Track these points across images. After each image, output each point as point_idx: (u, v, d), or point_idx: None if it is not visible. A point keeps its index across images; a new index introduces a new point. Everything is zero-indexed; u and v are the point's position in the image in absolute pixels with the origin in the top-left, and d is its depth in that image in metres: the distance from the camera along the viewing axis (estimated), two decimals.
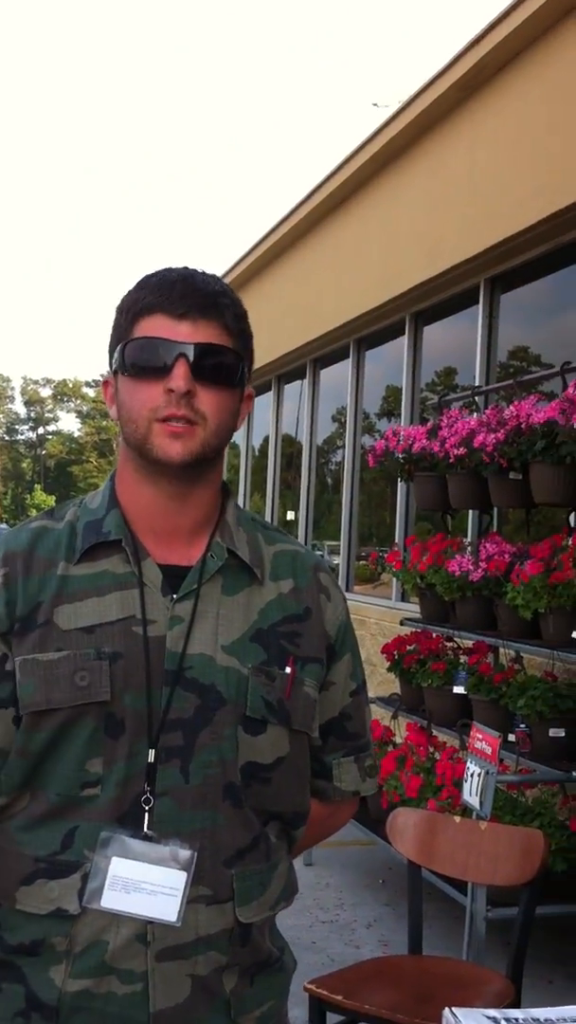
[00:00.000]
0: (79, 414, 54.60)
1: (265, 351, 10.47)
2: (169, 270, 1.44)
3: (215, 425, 1.41)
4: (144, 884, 1.35)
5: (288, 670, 1.45)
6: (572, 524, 4.83)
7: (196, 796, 1.39)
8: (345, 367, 8.88)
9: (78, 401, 54.97)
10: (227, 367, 1.42)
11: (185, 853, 1.37)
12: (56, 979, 1.36)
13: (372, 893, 5.00)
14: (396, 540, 7.41)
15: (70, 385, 54.94)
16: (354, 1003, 2.75)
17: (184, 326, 1.39)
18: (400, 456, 5.41)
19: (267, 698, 1.42)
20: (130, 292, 1.45)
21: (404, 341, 7.67)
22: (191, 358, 1.38)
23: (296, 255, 9.72)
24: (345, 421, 8.89)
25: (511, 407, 4.45)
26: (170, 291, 1.40)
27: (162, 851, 1.36)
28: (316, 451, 9.83)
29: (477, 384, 6.27)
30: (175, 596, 1.43)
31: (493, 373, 6.45)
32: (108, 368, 1.50)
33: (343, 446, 8.98)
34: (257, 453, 11.79)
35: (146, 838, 1.36)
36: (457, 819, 3.22)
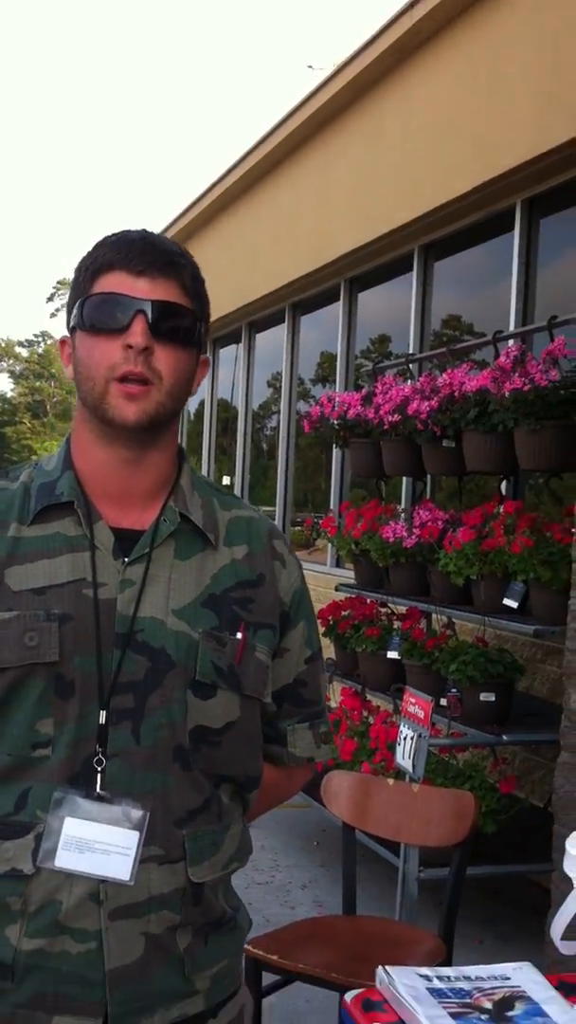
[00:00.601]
0: (12, 374, 53.66)
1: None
2: (128, 231, 1.45)
3: (170, 385, 1.41)
4: (97, 844, 1.37)
5: (239, 636, 1.45)
6: (503, 492, 4.90)
7: (147, 758, 1.40)
8: (281, 332, 8.86)
9: (11, 361, 54.03)
10: (185, 326, 1.42)
11: (137, 813, 1.38)
12: (12, 938, 1.38)
13: (307, 855, 5.08)
14: (331, 506, 7.45)
15: (2, 345, 53.97)
16: (289, 963, 2.79)
17: (143, 283, 1.39)
18: (335, 422, 5.42)
19: (217, 663, 1.43)
20: (89, 251, 1.45)
21: (339, 307, 7.67)
22: (149, 315, 1.38)
23: (231, 218, 9.64)
24: (280, 386, 8.89)
25: (444, 375, 4.49)
26: (129, 249, 1.40)
27: (114, 811, 1.38)
28: (252, 416, 9.81)
29: (411, 351, 6.30)
30: (127, 559, 1.43)
31: (427, 341, 6.48)
32: (66, 327, 1.49)
33: (279, 411, 8.98)
34: (193, 417, 11.74)
35: (99, 798, 1.38)
36: (390, 782, 3.27)
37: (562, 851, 1.82)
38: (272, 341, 9.24)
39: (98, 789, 1.38)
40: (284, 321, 8.75)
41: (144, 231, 1.45)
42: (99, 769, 1.38)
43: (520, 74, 5.13)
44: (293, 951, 2.85)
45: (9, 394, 53.07)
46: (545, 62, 4.92)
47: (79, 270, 1.45)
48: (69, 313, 1.46)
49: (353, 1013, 1.75)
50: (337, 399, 5.45)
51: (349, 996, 1.78)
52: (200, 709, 1.42)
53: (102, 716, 1.38)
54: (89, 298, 1.41)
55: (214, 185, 9.58)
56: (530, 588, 3.90)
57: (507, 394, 3.96)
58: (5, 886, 1.38)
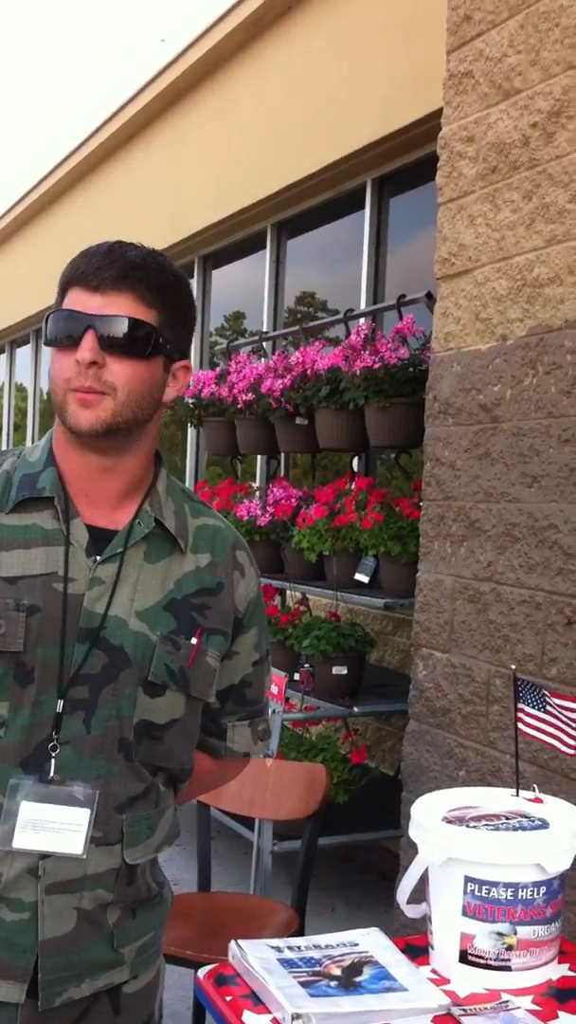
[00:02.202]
0: None
1: (51, 291, 10.14)
2: (100, 244, 1.49)
3: (125, 396, 1.45)
4: (51, 823, 1.44)
5: (194, 641, 1.52)
6: (355, 469, 4.96)
7: (94, 746, 1.47)
8: None
9: None
10: (136, 338, 1.45)
11: (88, 791, 1.46)
12: None
13: None
14: (186, 485, 7.41)
15: None
16: None
17: (96, 299, 1.44)
18: (190, 401, 5.39)
19: (170, 665, 1.50)
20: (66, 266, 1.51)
21: (193, 285, 7.62)
22: (98, 329, 1.43)
23: (83, 194, 9.45)
24: None
25: (297, 353, 4.51)
26: (87, 264, 1.46)
27: (67, 792, 1.45)
28: None
29: (265, 329, 6.31)
30: (98, 558, 1.49)
31: (281, 318, 6.50)
32: None
33: None
34: (45, 396, 11.49)
35: (51, 781, 1.45)
36: None
37: (409, 817, 1.86)
38: None
39: (51, 773, 1.45)
40: None
41: (113, 243, 1.48)
42: (53, 754, 1.45)
43: (370, 54, 5.17)
44: None
45: None
46: (393, 42, 4.97)
47: (59, 285, 1.51)
48: None
49: (206, 989, 1.75)
50: (191, 378, 5.41)
51: (202, 972, 1.79)
52: (147, 706, 1.49)
53: (60, 705, 1.45)
54: (51, 315, 1.48)
55: (64, 160, 9.37)
56: (380, 562, 3.97)
57: (358, 372, 4.01)
58: None
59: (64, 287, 1.48)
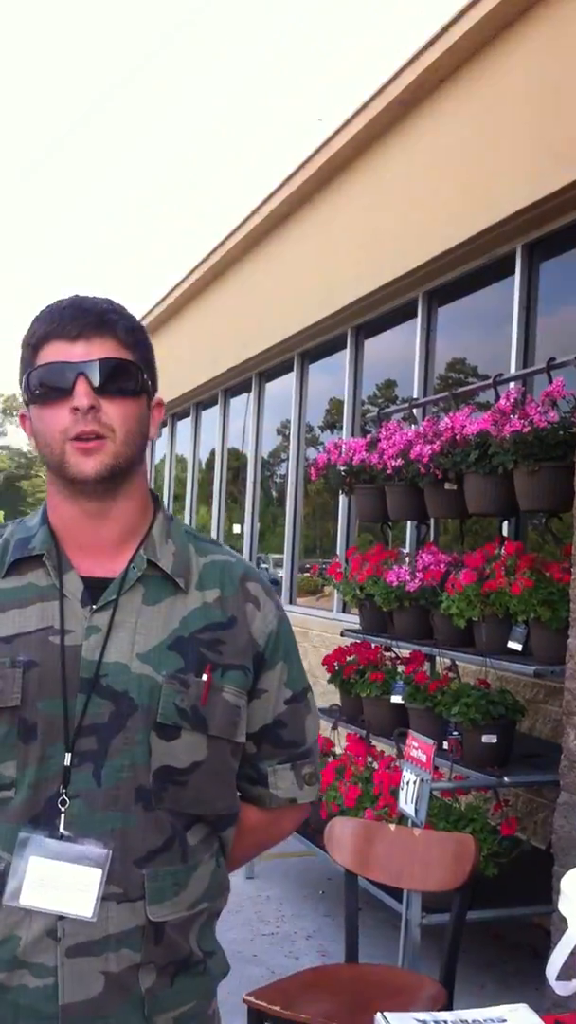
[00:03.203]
0: None
1: (210, 365, 10.51)
2: (59, 300, 1.51)
3: (124, 435, 1.47)
4: (60, 882, 1.40)
5: (205, 677, 1.48)
6: (505, 533, 4.89)
7: (107, 798, 1.43)
8: (289, 380, 8.92)
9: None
10: (126, 378, 1.48)
11: (99, 851, 1.41)
12: None
13: (312, 904, 5.01)
14: (338, 552, 7.45)
15: (20, 399, 54.11)
16: (291, 1013, 2.76)
17: (78, 347, 1.46)
18: (341, 468, 5.44)
19: (179, 705, 1.46)
20: (28, 327, 1.52)
21: (346, 354, 7.73)
22: (89, 375, 1.45)
23: (240, 270, 9.76)
24: (290, 434, 8.93)
25: (446, 419, 4.51)
26: (60, 317, 1.47)
27: (77, 850, 1.41)
28: (261, 464, 9.85)
29: (416, 396, 6.33)
30: (94, 607, 1.48)
31: (431, 385, 6.52)
32: (24, 403, 1.56)
33: (288, 459, 9.01)
34: (204, 466, 11.79)
35: (62, 838, 1.41)
36: (392, 827, 3.24)
37: (560, 892, 1.80)
38: (282, 389, 9.29)
39: (61, 829, 1.42)
40: (293, 370, 8.82)
41: (74, 297, 1.51)
42: (62, 809, 1.42)
43: (515, 123, 5.21)
44: (295, 1001, 2.82)
45: (25, 448, 53.43)
46: (539, 111, 5.00)
47: (23, 346, 1.52)
48: (22, 389, 1.54)
49: None
50: (343, 445, 5.48)
51: None
52: (164, 750, 1.46)
53: (68, 758, 1.43)
54: (33, 372, 1.48)
55: (225, 239, 9.71)
56: (530, 628, 3.89)
57: (507, 436, 3.98)
58: None
59: (36, 346, 1.48)
